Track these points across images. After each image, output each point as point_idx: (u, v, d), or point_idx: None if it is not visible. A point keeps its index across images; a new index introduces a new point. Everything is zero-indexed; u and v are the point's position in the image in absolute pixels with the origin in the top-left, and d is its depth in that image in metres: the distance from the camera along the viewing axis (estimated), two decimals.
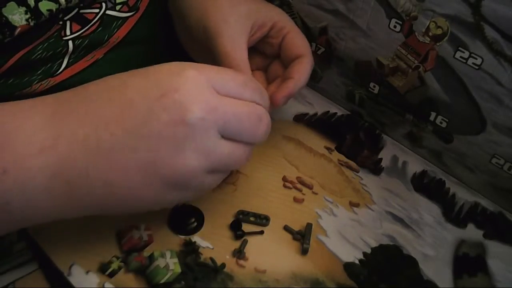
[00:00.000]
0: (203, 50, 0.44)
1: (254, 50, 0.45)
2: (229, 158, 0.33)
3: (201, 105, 0.31)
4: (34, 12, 0.40)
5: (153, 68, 0.33)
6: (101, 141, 0.31)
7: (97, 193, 0.31)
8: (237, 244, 0.40)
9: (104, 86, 0.33)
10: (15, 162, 0.30)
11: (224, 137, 0.32)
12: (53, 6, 0.41)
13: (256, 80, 0.45)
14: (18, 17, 0.39)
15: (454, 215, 0.44)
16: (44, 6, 0.40)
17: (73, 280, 0.36)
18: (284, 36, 0.44)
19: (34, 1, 0.39)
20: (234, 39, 0.41)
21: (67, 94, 0.33)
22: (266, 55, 0.46)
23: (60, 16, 0.43)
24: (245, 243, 0.40)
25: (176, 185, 0.32)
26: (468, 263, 0.41)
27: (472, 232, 0.43)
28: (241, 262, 0.38)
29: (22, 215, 0.32)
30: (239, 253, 0.39)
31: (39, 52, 0.42)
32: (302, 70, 0.43)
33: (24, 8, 0.39)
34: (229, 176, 0.44)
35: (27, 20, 0.39)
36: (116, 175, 0.31)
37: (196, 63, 0.33)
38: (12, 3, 0.38)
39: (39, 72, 0.43)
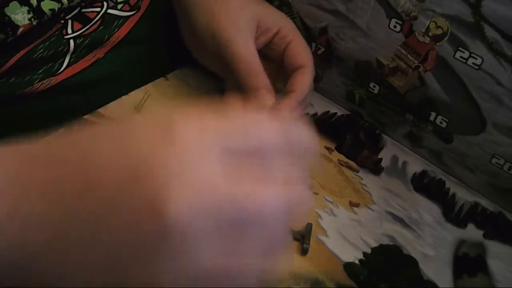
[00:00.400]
0: (210, 53, 0.43)
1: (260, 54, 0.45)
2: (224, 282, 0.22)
3: (182, 197, 0.20)
4: (36, 11, 0.40)
5: (135, 129, 0.23)
6: (56, 222, 0.23)
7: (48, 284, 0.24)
8: None
9: (74, 147, 0.24)
10: None
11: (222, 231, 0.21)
12: (55, 6, 0.41)
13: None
14: (20, 16, 0.39)
15: (454, 215, 0.44)
16: (47, 6, 0.40)
17: None
18: (288, 44, 0.44)
19: (37, 1, 0.39)
20: (247, 45, 0.41)
21: (38, 147, 0.26)
22: (269, 59, 0.46)
23: (62, 15, 0.43)
24: None
25: None
26: (468, 263, 0.41)
27: (472, 232, 0.43)
28: None
29: None
30: None
31: (41, 51, 0.42)
32: (304, 81, 0.43)
33: (26, 8, 0.39)
34: None
35: (29, 19, 0.39)
36: (69, 270, 0.23)
37: (197, 110, 0.23)
38: (15, 3, 0.39)
39: (41, 71, 0.43)
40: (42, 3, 0.40)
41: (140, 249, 0.21)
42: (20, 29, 0.39)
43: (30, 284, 0.24)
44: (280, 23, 0.44)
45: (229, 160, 0.21)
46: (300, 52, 0.44)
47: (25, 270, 0.24)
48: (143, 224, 0.20)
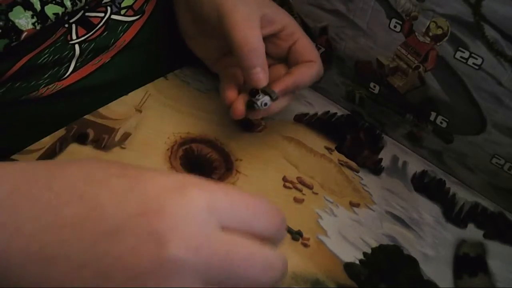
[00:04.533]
0: (211, 34, 0.43)
1: None
2: None
3: (182, 242, 0.23)
4: (40, 16, 0.40)
5: (149, 174, 0.26)
6: (47, 245, 0.24)
7: None
8: None
9: (84, 178, 0.26)
10: None
11: (208, 284, 0.23)
12: (59, 10, 0.41)
13: (279, 71, 0.44)
14: (24, 21, 0.39)
15: (454, 215, 0.44)
16: (50, 10, 0.40)
17: None
18: (295, 42, 0.44)
19: (40, 5, 0.39)
20: (249, 18, 0.40)
21: (39, 168, 0.26)
22: (271, 56, 0.46)
23: (66, 18, 0.43)
24: None
25: None
26: (468, 263, 0.41)
27: (472, 232, 0.43)
28: None
29: None
30: None
31: (46, 56, 0.42)
32: (308, 72, 0.43)
33: (30, 12, 0.39)
34: (229, 176, 0.44)
35: (33, 24, 0.39)
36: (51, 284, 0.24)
37: (201, 180, 0.26)
38: (19, 7, 0.39)
39: (46, 76, 0.43)
40: (46, 8, 0.40)
41: (132, 275, 0.23)
42: (24, 34, 0.39)
43: None
44: (286, 19, 0.44)
45: (223, 221, 0.24)
46: (309, 48, 0.44)
47: (7, 281, 0.24)
48: (138, 255, 0.23)
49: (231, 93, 0.43)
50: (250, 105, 0.41)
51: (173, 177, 0.25)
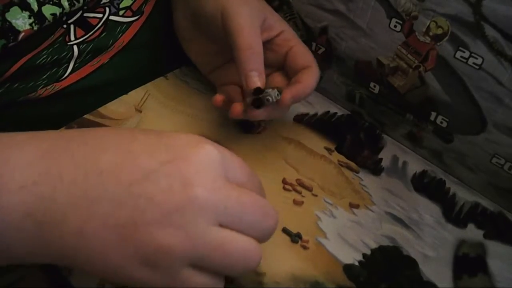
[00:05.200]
0: (209, 48, 0.43)
1: None
2: (220, 250, 0.28)
3: (205, 183, 0.28)
4: (37, 16, 0.40)
5: (168, 133, 0.31)
6: (89, 189, 0.28)
7: (68, 241, 0.28)
8: None
9: (114, 135, 0.30)
10: None
11: (222, 225, 0.28)
12: (56, 10, 0.41)
13: (276, 80, 0.45)
14: (21, 21, 0.39)
15: (454, 215, 0.44)
16: (48, 10, 0.40)
17: (73, 280, 0.36)
18: (291, 47, 0.44)
19: (38, 5, 0.39)
20: (252, 22, 0.41)
21: (71, 132, 0.31)
22: (268, 63, 0.45)
23: (64, 19, 0.43)
24: None
25: (147, 259, 0.28)
26: (468, 263, 0.41)
27: (472, 232, 0.43)
28: None
29: None
30: None
31: (44, 57, 0.42)
32: (311, 77, 0.43)
33: (27, 13, 0.39)
34: None
35: (30, 24, 0.39)
36: (92, 227, 0.27)
37: (211, 141, 0.31)
38: (16, 8, 0.38)
39: (44, 77, 0.43)
40: (43, 8, 0.40)
41: (163, 210, 0.27)
42: (21, 34, 0.39)
43: (48, 254, 0.28)
44: (283, 26, 0.44)
45: (226, 173, 0.30)
46: (304, 54, 0.44)
47: (48, 233, 0.27)
48: (169, 195, 0.27)
49: (219, 97, 0.44)
50: (260, 102, 0.41)
51: (191, 135, 0.30)
